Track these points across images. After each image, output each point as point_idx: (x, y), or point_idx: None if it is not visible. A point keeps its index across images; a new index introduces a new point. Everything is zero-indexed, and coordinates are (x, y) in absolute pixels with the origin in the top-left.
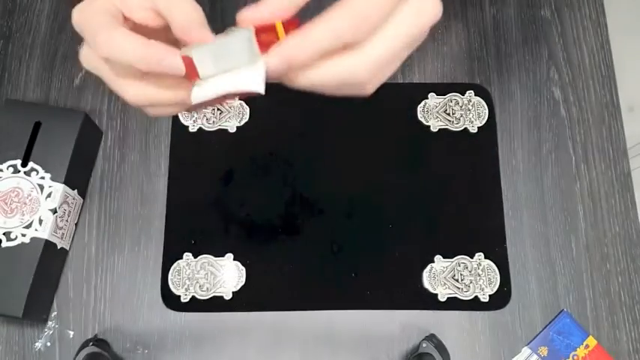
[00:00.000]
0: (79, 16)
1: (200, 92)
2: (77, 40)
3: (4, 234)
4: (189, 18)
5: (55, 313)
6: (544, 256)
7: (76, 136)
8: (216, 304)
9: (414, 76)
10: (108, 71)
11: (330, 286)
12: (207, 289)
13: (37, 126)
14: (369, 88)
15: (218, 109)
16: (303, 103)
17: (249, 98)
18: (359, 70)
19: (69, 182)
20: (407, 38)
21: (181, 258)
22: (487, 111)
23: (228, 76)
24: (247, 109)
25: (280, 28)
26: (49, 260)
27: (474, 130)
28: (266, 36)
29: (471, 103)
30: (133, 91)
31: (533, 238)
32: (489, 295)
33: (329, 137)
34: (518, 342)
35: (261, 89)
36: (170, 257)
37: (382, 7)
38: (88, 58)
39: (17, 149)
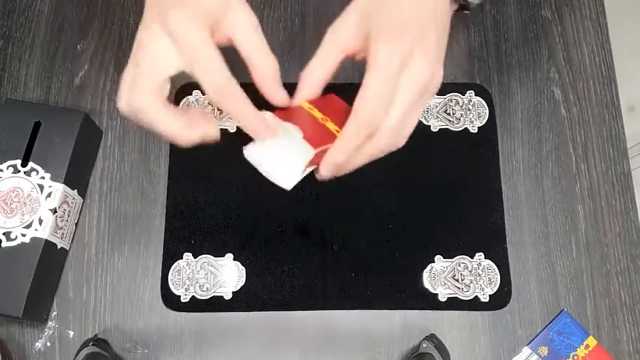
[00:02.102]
0: (129, 109)
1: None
2: (77, 39)
3: (4, 234)
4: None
5: (55, 313)
6: (544, 256)
7: (75, 135)
8: (216, 304)
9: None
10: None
11: (330, 286)
12: (207, 289)
13: (36, 126)
14: (401, 143)
15: (218, 109)
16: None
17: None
18: (384, 145)
19: (69, 182)
20: (411, 103)
21: (181, 258)
22: (487, 111)
23: (273, 161)
24: None
25: (314, 111)
26: (49, 260)
27: (474, 130)
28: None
29: (471, 103)
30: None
31: (533, 238)
32: (489, 295)
33: None
34: (518, 342)
35: (288, 188)
36: (170, 257)
37: (382, 104)
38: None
39: (17, 149)
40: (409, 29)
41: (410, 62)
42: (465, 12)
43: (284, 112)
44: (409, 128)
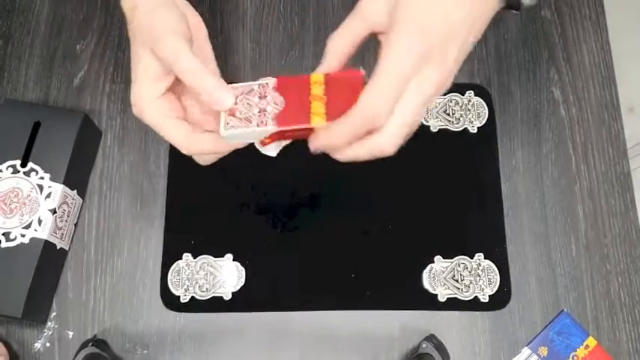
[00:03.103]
0: (140, 115)
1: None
2: (76, 40)
3: (3, 234)
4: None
5: (55, 313)
6: (544, 257)
7: (75, 136)
8: (215, 305)
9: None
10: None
11: (330, 286)
12: (207, 289)
13: (36, 126)
14: (396, 147)
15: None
16: None
17: None
18: (383, 145)
19: (68, 182)
20: (415, 109)
21: (181, 258)
22: (487, 111)
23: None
24: None
25: (315, 87)
26: (49, 260)
27: (473, 130)
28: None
29: (470, 103)
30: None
31: (533, 238)
32: (489, 296)
33: None
34: (518, 342)
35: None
36: (169, 257)
37: (388, 103)
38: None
39: (16, 149)
40: (435, 31)
41: (425, 66)
42: (514, 12)
43: (284, 81)
44: (408, 134)
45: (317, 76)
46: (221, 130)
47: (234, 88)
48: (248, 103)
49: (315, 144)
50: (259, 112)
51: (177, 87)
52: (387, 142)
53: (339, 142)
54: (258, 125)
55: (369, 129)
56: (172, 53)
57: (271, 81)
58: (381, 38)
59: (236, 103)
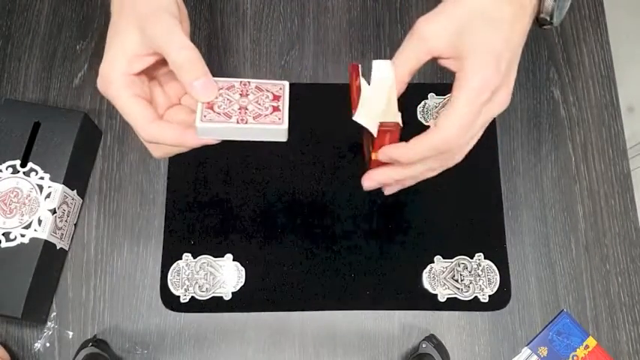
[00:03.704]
0: (104, 89)
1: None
2: (76, 39)
3: (3, 234)
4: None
5: (55, 313)
6: (544, 256)
7: (75, 136)
8: (215, 305)
9: (413, 77)
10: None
11: (330, 286)
12: (207, 289)
13: (36, 126)
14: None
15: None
16: (302, 104)
17: None
18: (457, 161)
19: (68, 182)
20: (484, 127)
21: (181, 258)
22: None
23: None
24: None
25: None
26: (49, 261)
27: None
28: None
29: None
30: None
31: (533, 238)
32: (489, 296)
33: (328, 137)
34: (518, 342)
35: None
36: (169, 257)
37: (467, 133)
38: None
39: (16, 149)
40: (504, 60)
41: (497, 93)
42: (544, 27)
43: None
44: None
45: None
46: (197, 122)
47: (215, 81)
48: (228, 99)
49: (384, 154)
50: (240, 109)
51: (150, 72)
52: (459, 159)
53: (408, 160)
54: (237, 122)
55: (443, 152)
56: (166, 32)
57: (285, 86)
58: (445, 64)
59: (216, 97)
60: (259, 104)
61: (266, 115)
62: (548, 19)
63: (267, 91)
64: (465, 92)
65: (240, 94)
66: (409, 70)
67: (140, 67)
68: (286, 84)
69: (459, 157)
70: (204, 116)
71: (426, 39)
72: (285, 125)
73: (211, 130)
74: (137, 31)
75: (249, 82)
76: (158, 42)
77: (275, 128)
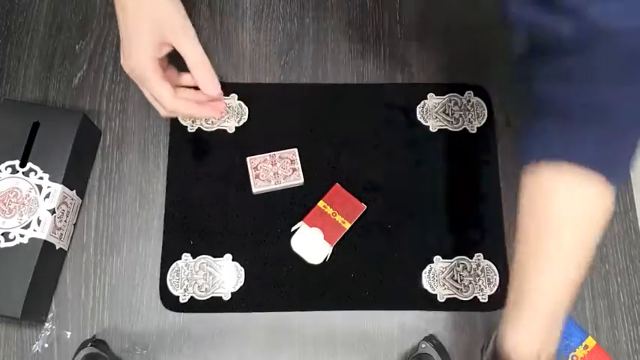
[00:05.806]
0: (131, 74)
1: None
2: (75, 40)
3: (2, 234)
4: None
5: (54, 313)
6: None
7: (74, 136)
8: (214, 305)
9: (413, 77)
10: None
11: (330, 286)
12: (206, 289)
13: (35, 126)
14: None
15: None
16: (302, 104)
17: (249, 99)
18: None
19: (67, 182)
20: None
21: (180, 258)
22: (486, 111)
23: (306, 252)
24: (246, 110)
25: (327, 208)
26: (48, 261)
27: (473, 130)
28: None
29: (470, 104)
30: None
31: None
32: (488, 296)
33: (328, 138)
34: None
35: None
36: (169, 258)
37: None
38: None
39: (16, 150)
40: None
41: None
42: None
43: (310, 217)
44: None
45: (321, 202)
46: (253, 190)
47: (254, 158)
48: (265, 169)
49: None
50: (274, 174)
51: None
52: None
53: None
54: (275, 184)
55: None
56: (182, 30)
57: (302, 224)
58: None
59: (258, 169)
60: (284, 168)
61: (289, 175)
62: None
63: (286, 157)
64: None
65: (272, 164)
66: None
67: (164, 53)
68: (295, 150)
69: None
70: (256, 184)
71: None
72: (302, 180)
73: (262, 191)
74: (154, 24)
75: (274, 154)
76: (174, 38)
77: (297, 182)
